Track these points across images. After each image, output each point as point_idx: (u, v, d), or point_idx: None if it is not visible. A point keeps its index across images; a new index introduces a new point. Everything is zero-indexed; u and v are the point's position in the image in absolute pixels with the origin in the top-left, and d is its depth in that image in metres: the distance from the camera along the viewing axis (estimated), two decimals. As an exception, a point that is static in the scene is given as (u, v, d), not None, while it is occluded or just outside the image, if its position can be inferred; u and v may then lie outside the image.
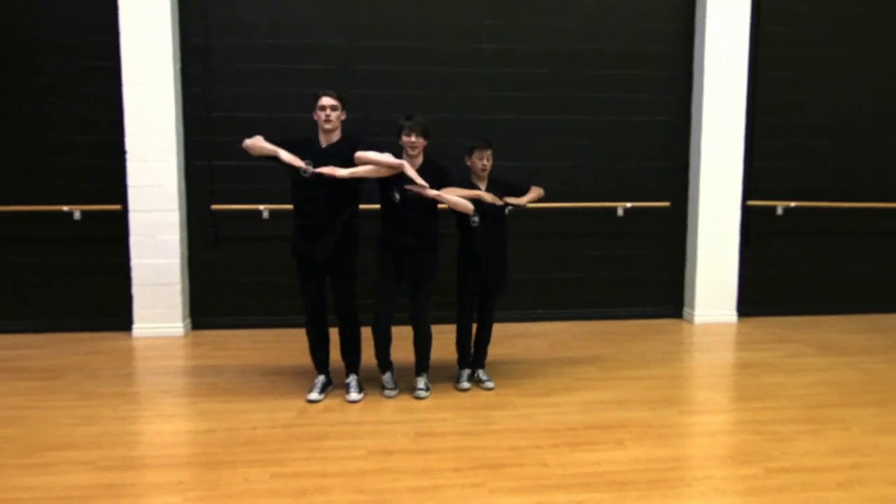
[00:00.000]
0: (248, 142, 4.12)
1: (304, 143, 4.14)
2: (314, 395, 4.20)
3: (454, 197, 4.14)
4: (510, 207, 4.43)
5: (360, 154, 4.03)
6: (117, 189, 5.51)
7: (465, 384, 4.47)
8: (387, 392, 4.32)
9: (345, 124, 4.21)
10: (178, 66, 5.52)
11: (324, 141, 4.15)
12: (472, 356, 4.57)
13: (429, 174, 4.17)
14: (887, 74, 6.35)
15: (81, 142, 5.56)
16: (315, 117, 4.13)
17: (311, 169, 4.03)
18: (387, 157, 4.04)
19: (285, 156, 4.05)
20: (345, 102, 4.16)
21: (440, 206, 4.21)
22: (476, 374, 4.57)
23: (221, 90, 5.64)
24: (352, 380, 4.31)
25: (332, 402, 4.19)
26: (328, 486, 3.13)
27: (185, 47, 5.56)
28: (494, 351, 4.84)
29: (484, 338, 4.57)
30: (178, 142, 5.50)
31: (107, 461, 3.38)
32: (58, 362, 4.94)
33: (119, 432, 3.73)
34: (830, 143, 6.34)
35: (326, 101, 4.06)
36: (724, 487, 3.16)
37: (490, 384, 4.46)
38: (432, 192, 4.08)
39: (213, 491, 3.10)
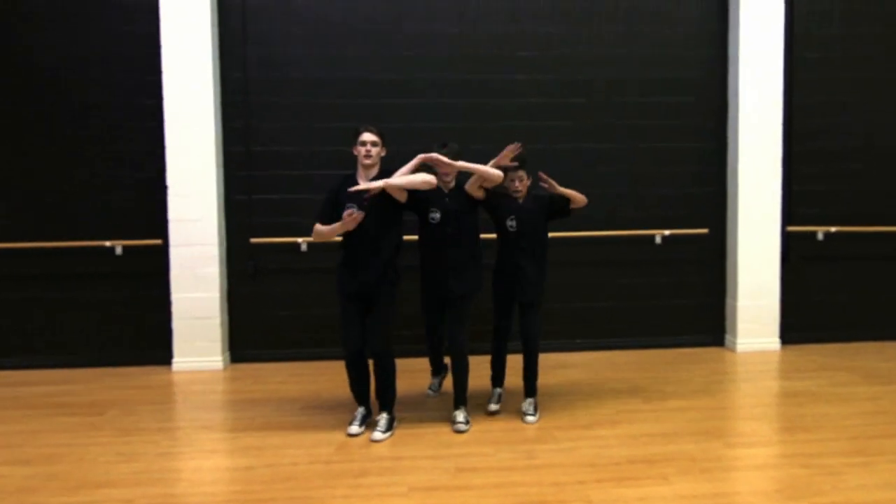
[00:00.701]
0: (319, 232, 4.21)
1: (342, 188, 4.16)
2: (354, 429, 4.19)
3: (401, 178, 4.07)
4: (544, 186, 4.45)
5: (386, 182, 4.06)
6: (158, 224, 5.62)
7: (492, 406, 4.52)
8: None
9: (382, 158, 4.25)
10: (219, 101, 5.65)
11: (363, 177, 4.19)
12: (522, 384, 4.53)
13: (461, 198, 4.34)
14: (924, 96, 6.24)
15: (123, 177, 5.68)
16: (355, 152, 4.17)
17: (354, 210, 4.02)
18: (411, 178, 4.07)
19: (341, 228, 4.07)
20: (385, 138, 4.22)
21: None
22: (521, 406, 4.51)
23: (260, 124, 5.74)
24: (382, 418, 4.24)
25: (369, 436, 4.17)
26: (370, 524, 3.10)
27: (225, 82, 5.68)
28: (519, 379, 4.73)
29: (528, 364, 4.48)
30: (217, 176, 5.60)
31: (146, 499, 3.39)
32: (99, 398, 5.00)
33: (159, 469, 3.75)
34: (868, 166, 6.22)
35: (367, 136, 4.12)
36: (776, 526, 3.06)
37: (531, 418, 4.38)
38: (378, 184, 4.00)
39: (256, 529, 3.09)
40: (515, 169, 4.38)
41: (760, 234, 5.98)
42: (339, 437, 4.14)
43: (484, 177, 4.19)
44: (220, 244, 5.64)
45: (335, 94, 5.76)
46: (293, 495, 3.40)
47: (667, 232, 6.03)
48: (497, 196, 4.43)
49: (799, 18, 6.02)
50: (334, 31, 5.73)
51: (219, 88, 5.65)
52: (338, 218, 4.06)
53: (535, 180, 4.48)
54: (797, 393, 4.92)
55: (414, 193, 4.20)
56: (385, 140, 4.22)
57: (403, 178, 4.07)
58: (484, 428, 4.27)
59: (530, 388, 4.49)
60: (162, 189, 5.56)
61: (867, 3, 6.11)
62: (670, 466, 3.68)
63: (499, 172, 4.22)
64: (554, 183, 4.43)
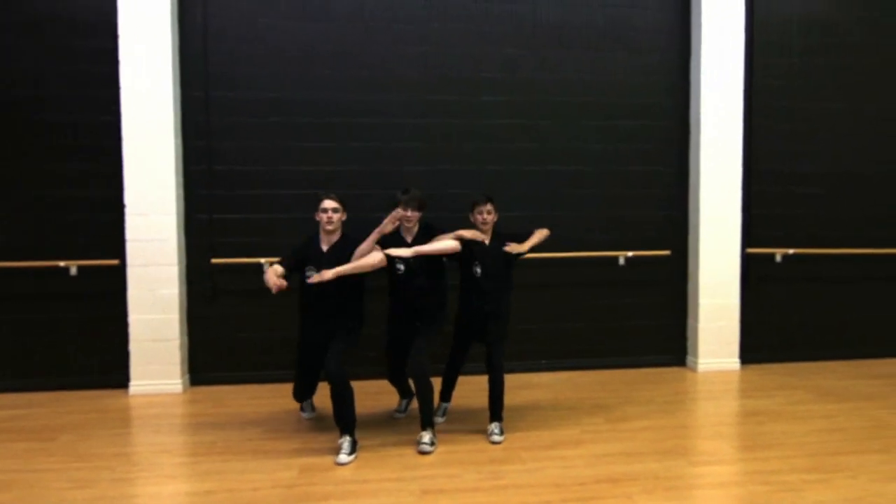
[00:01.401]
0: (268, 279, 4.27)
1: (306, 248, 4.45)
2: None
3: (353, 264, 4.26)
4: (517, 255, 4.48)
5: (337, 271, 4.20)
6: (115, 244, 5.49)
7: (438, 419, 4.73)
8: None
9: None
10: (179, 120, 5.57)
11: (325, 242, 4.45)
12: (486, 404, 4.55)
13: (427, 241, 4.47)
14: (879, 124, 6.47)
15: (78, 196, 5.55)
16: (317, 218, 4.42)
17: (313, 276, 4.20)
18: (361, 263, 4.25)
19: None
20: (345, 205, 4.49)
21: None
22: (488, 428, 4.49)
23: (222, 143, 5.67)
24: (345, 441, 4.18)
25: (333, 460, 4.10)
26: (334, 550, 3.03)
27: (186, 101, 5.61)
28: (482, 399, 4.70)
29: (494, 392, 4.49)
30: (178, 195, 5.50)
31: (103, 526, 3.28)
32: (52, 422, 4.83)
33: (116, 496, 3.63)
34: (826, 191, 6.42)
35: (328, 203, 4.39)
36: (739, 543, 3.09)
37: (497, 438, 4.38)
38: (329, 274, 4.16)
39: (215, 556, 3.00)
40: (483, 202, 4.48)
41: (721, 256, 6.10)
42: (301, 461, 4.06)
43: (444, 252, 4.38)
44: (180, 264, 5.53)
45: (298, 114, 5.73)
46: (254, 521, 3.32)
47: (630, 254, 6.11)
48: (464, 243, 4.49)
49: (759, 48, 6.20)
50: (297, 52, 5.71)
51: (179, 107, 5.57)
52: (297, 275, 4.40)
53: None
54: (756, 411, 5.00)
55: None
56: (345, 206, 4.49)
57: (355, 263, 4.25)
58: (449, 449, 4.24)
59: (496, 414, 4.49)
60: (120, 208, 5.45)
61: (826, 34, 6.33)
62: (634, 486, 3.70)
63: (455, 244, 4.38)
64: (518, 247, 4.44)
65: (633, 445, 4.30)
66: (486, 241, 4.50)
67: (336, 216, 4.39)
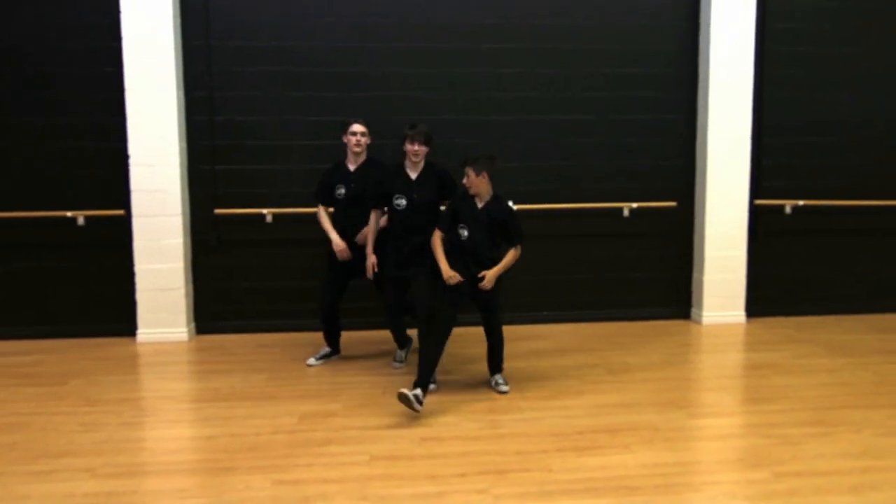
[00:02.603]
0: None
1: (334, 171, 4.87)
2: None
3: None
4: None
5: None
6: (120, 194, 5.50)
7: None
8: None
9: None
10: (181, 70, 5.51)
11: (352, 163, 4.83)
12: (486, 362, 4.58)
13: (431, 179, 4.54)
14: (894, 73, 6.27)
15: (85, 147, 5.55)
16: (345, 140, 4.78)
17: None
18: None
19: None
20: (370, 128, 4.83)
21: None
22: (492, 380, 4.52)
23: (224, 94, 5.61)
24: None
25: (335, 407, 4.16)
26: (330, 493, 3.09)
27: (187, 50, 5.54)
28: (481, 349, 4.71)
29: (494, 352, 4.50)
30: (180, 146, 5.48)
31: (109, 468, 3.36)
32: (62, 368, 4.93)
33: (122, 439, 3.71)
34: (839, 140, 6.27)
35: (358, 127, 4.75)
36: (732, 492, 3.11)
37: (503, 388, 4.41)
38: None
39: (216, 498, 3.07)
40: (463, 167, 4.36)
41: (728, 208, 6.01)
42: (303, 407, 4.12)
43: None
44: (184, 214, 5.54)
45: (300, 63, 5.64)
46: (256, 464, 3.39)
47: (635, 205, 6.04)
48: (459, 199, 4.42)
49: (771, -9, 6.00)
50: (299, 0, 5.60)
51: (181, 57, 5.50)
52: (330, 199, 4.87)
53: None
54: (760, 365, 4.99)
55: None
56: (370, 129, 4.83)
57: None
58: (449, 398, 4.27)
59: (498, 367, 4.52)
60: (124, 159, 5.43)
61: (840, -23, 6.11)
62: (633, 436, 3.72)
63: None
64: (491, 276, 4.29)
65: (634, 397, 4.32)
66: (478, 204, 4.37)
67: (364, 139, 4.76)
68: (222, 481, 3.22)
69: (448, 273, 4.25)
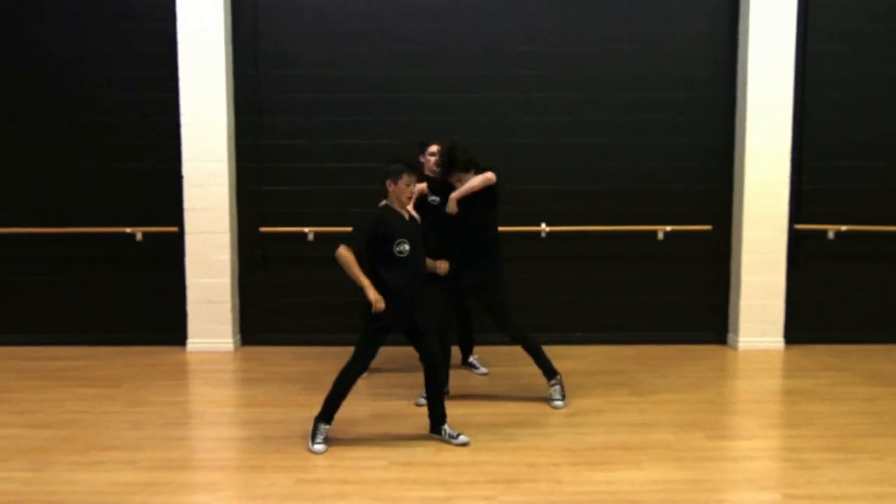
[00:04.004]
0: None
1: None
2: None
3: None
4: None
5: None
6: (175, 212, 5.91)
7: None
8: None
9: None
10: (232, 96, 5.90)
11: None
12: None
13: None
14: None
15: (143, 169, 5.99)
16: (424, 161, 5.03)
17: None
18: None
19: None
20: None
21: None
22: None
23: (270, 119, 5.99)
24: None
25: (361, 416, 4.36)
26: (347, 493, 3.30)
27: (238, 79, 5.94)
28: (527, 370, 4.80)
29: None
30: (230, 168, 5.87)
31: (149, 462, 3.65)
32: (116, 373, 5.31)
33: (163, 437, 4.01)
34: (884, 164, 6.14)
35: (435, 148, 4.95)
36: (736, 510, 3.16)
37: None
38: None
39: (241, 492, 3.32)
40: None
41: (766, 233, 5.97)
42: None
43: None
44: (232, 232, 5.91)
45: (340, 91, 5.97)
46: (282, 464, 3.63)
47: (668, 228, 6.08)
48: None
49: (813, 11, 5.96)
50: (341, 31, 5.92)
51: (231, 84, 5.91)
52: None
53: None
54: (792, 391, 4.94)
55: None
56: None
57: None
58: (468, 412, 4.39)
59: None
60: (178, 179, 5.84)
61: (884, -1, 6.05)
62: (645, 454, 3.79)
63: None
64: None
65: (654, 417, 4.36)
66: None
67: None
68: (249, 478, 3.47)
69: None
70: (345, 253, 3.71)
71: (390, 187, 3.89)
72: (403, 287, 3.85)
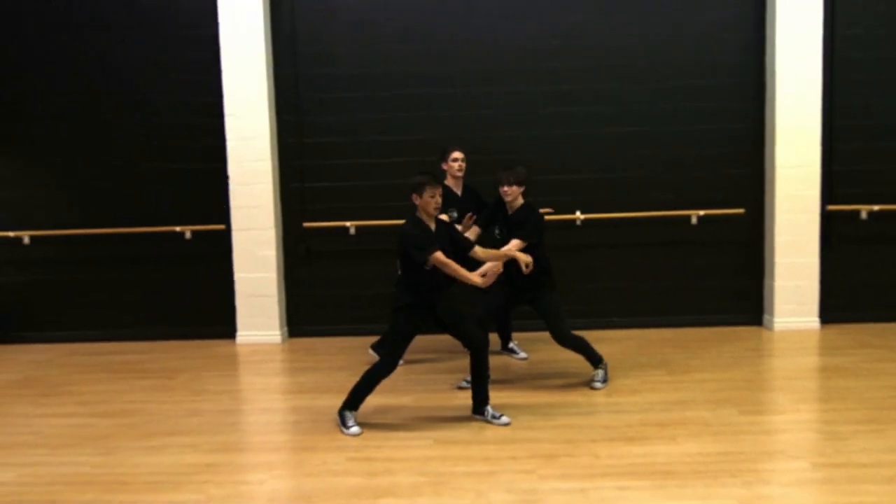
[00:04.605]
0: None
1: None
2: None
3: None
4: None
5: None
6: (222, 210, 6.19)
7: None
8: None
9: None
10: (273, 97, 6.15)
11: (456, 187, 5.31)
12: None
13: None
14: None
15: (190, 169, 6.29)
16: (446, 168, 5.27)
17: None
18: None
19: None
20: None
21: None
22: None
23: (311, 118, 6.22)
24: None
25: (406, 400, 4.58)
26: (395, 469, 3.50)
27: (278, 79, 6.19)
28: (565, 355, 4.94)
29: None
30: (273, 166, 6.12)
31: (209, 445, 3.91)
32: (172, 365, 5.61)
33: (220, 423, 4.27)
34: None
35: (458, 154, 5.27)
36: (766, 479, 3.29)
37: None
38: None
39: (295, 470, 3.55)
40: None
41: (798, 215, 6.02)
42: (377, 400, 4.50)
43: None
44: (277, 228, 6.16)
45: (377, 88, 6.17)
46: (333, 445, 3.85)
47: (702, 212, 6.17)
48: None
49: (841, -5, 5.99)
50: (376, 30, 6.13)
51: (273, 86, 6.15)
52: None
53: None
54: (826, 368, 5.02)
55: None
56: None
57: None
58: (510, 395, 4.59)
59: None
60: (224, 179, 6.12)
61: (912, -20, 6.03)
62: (681, 429, 3.92)
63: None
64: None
65: (689, 395, 4.49)
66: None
67: (463, 164, 5.29)
68: (303, 458, 3.70)
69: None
70: (441, 258, 3.90)
71: (416, 201, 4.03)
72: (427, 293, 4.06)
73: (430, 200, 4.01)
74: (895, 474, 3.29)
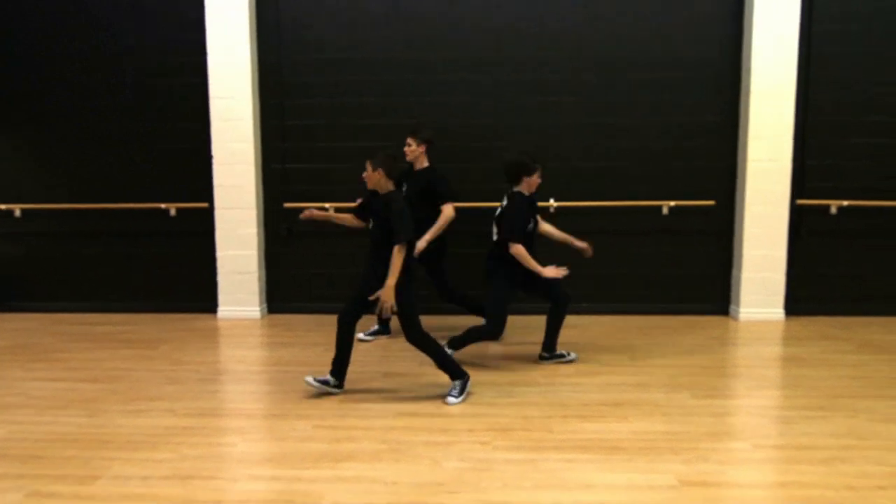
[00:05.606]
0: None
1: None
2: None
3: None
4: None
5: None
6: (206, 189, 6.36)
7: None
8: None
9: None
10: (256, 80, 6.30)
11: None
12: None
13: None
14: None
15: (176, 149, 6.46)
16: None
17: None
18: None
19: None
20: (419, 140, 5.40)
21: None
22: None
23: (293, 101, 6.37)
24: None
25: (374, 375, 4.77)
26: (357, 437, 3.70)
27: (262, 64, 6.33)
28: (533, 338, 5.18)
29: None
30: (255, 147, 6.28)
31: (186, 410, 4.11)
32: (154, 336, 5.80)
33: (198, 390, 4.46)
34: (887, 141, 6.30)
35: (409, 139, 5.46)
36: (706, 457, 3.49)
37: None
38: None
39: (266, 435, 3.75)
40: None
41: (768, 207, 6.17)
42: (351, 375, 4.69)
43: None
44: (258, 208, 6.34)
45: (358, 73, 6.32)
46: (302, 413, 4.05)
47: (673, 203, 6.34)
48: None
49: (817, -9, 6.11)
50: (359, 15, 6.26)
51: (256, 70, 6.30)
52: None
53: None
54: (785, 357, 5.19)
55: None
56: (419, 141, 5.44)
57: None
58: (476, 373, 4.78)
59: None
60: (208, 159, 6.28)
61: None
62: (633, 409, 4.12)
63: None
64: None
65: (647, 379, 4.68)
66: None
67: (409, 150, 5.42)
68: (273, 423, 3.90)
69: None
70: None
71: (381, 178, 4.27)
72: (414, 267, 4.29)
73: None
74: (831, 456, 3.49)
